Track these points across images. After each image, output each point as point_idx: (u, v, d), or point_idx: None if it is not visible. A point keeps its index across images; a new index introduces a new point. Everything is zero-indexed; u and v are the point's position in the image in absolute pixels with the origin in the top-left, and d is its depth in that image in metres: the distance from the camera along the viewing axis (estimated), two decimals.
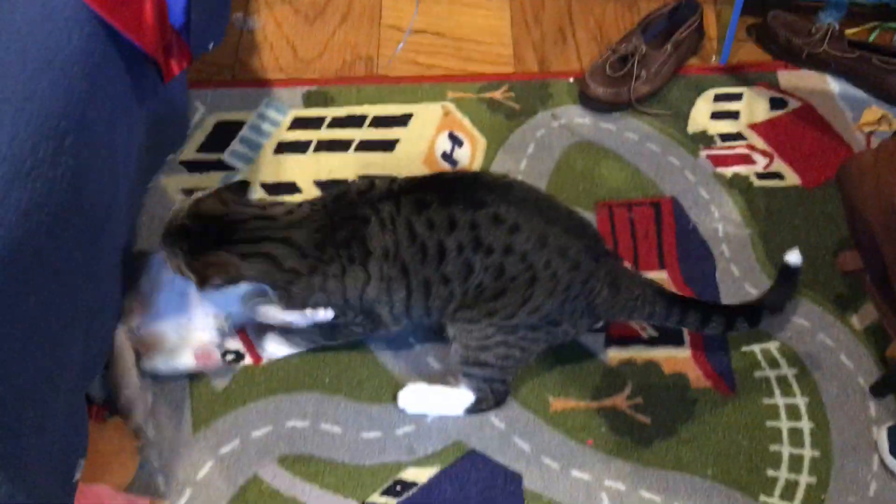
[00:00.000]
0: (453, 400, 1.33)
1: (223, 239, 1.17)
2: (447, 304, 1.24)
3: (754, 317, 1.35)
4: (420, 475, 1.28)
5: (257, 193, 1.57)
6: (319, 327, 1.32)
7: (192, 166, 1.59)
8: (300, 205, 1.24)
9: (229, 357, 1.38)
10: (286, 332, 1.37)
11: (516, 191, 1.25)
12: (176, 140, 1.47)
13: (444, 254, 1.20)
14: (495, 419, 1.34)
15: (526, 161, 1.65)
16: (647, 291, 1.29)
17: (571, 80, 1.79)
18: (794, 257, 1.36)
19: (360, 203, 1.22)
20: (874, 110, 1.73)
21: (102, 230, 1.09)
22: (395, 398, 1.34)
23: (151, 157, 1.34)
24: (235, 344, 1.39)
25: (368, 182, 1.27)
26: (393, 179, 1.26)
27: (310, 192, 1.58)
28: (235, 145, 1.64)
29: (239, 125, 1.66)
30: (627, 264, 1.51)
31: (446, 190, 1.22)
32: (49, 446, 0.95)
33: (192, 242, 1.16)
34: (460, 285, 1.22)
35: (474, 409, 1.34)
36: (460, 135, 1.68)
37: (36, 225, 0.89)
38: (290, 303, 1.25)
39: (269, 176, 1.60)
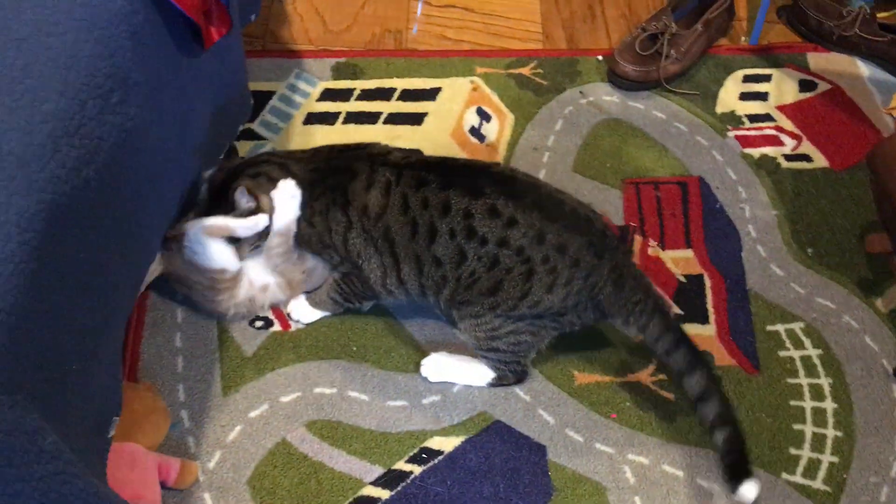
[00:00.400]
0: (475, 372, 1.35)
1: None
2: (441, 288, 1.26)
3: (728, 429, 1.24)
4: (446, 444, 1.30)
5: None
6: (338, 290, 1.35)
7: None
8: (310, 149, 1.37)
9: (258, 324, 1.39)
10: (311, 296, 1.39)
11: (519, 185, 1.25)
12: (241, 110, 1.48)
13: (434, 235, 1.22)
14: (520, 391, 1.35)
15: (553, 137, 1.65)
16: (649, 303, 1.25)
17: (600, 57, 1.79)
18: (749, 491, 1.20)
19: (363, 160, 1.28)
20: None
21: (153, 188, 1.10)
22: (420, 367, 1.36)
23: (219, 127, 1.36)
24: (264, 311, 1.40)
25: (387, 148, 1.33)
26: (412, 153, 1.28)
27: None
28: (266, 115, 1.64)
29: (269, 95, 1.67)
30: (654, 242, 1.52)
31: (449, 174, 1.24)
32: (89, 401, 0.96)
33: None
34: (452, 270, 1.24)
35: (496, 384, 1.35)
36: (488, 110, 1.68)
37: (84, 181, 0.90)
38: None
39: (298, 146, 1.60)
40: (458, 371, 1.35)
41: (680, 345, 1.26)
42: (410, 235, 1.24)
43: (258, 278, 1.36)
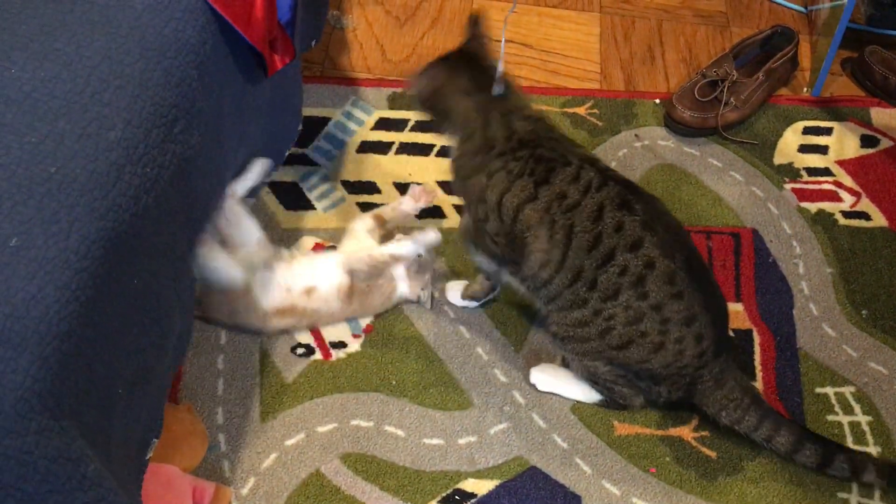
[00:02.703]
0: (584, 390, 1.36)
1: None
2: (571, 310, 1.25)
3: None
4: (480, 487, 1.28)
5: (337, 192, 1.58)
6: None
7: None
8: (541, 119, 1.30)
9: (300, 351, 1.39)
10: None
11: (695, 262, 1.23)
12: (290, 135, 1.50)
13: (608, 261, 1.20)
14: (558, 438, 1.34)
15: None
16: (745, 399, 1.27)
17: (658, 101, 1.77)
18: None
19: (573, 154, 1.25)
20: None
21: (206, 215, 1.11)
22: (459, 406, 1.35)
23: (268, 150, 1.37)
24: (307, 338, 1.41)
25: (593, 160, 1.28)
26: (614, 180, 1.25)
27: (389, 194, 1.59)
28: (320, 141, 1.66)
29: (325, 121, 1.69)
30: None
31: (654, 218, 1.22)
32: (133, 425, 0.97)
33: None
34: (597, 301, 1.22)
35: (605, 406, 1.36)
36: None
37: (143, 209, 0.91)
38: (454, 174, 1.32)
39: (350, 174, 1.61)
40: (568, 385, 1.36)
41: (780, 428, 1.27)
42: (588, 247, 1.21)
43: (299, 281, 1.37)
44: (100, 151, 0.88)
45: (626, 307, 1.21)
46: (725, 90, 1.70)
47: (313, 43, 1.63)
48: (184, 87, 1.01)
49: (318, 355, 1.40)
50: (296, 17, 1.28)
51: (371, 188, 1.60)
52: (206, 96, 1.06)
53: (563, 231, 1.21)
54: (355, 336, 1.41)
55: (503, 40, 1.28)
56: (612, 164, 1.66)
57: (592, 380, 1.32)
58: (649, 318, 1.20)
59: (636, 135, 1.71)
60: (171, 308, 1.01)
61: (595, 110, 1.74)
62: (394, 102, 1.73)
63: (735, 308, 1.48)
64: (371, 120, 1.70)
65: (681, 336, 1.21)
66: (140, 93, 0.95)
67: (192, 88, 1.02)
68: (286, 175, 1.59)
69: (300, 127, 1.55)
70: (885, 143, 1.72)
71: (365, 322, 1.43)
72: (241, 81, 1.19)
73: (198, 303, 1.31)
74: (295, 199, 1.57)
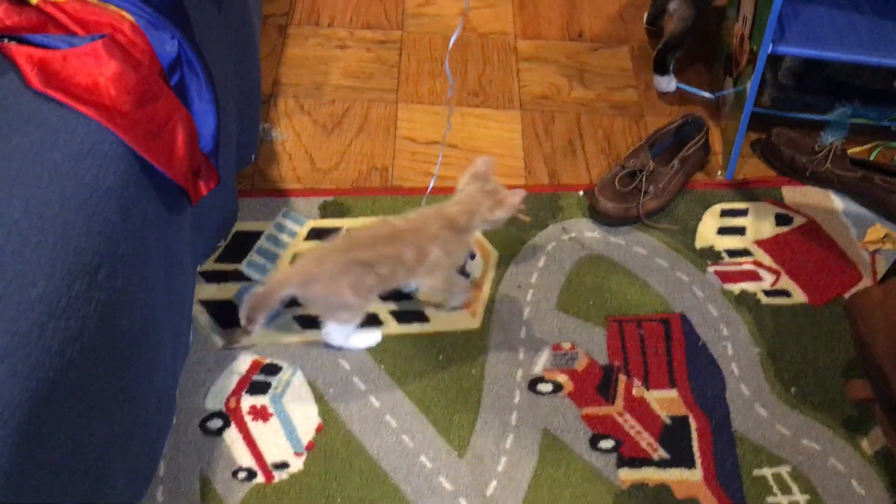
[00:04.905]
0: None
1: None
2: None
3: None
4: None
5: None
6: None
7: (210, 276, 1.62)
8: None
9: (241, 475, 1.38)
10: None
11: None
12: (222, 230, 1.56)
13: None
14: None
15: (537, 274, 1.68)
16: None
17: (581, 193, 1.83)
18: None
19: None
20: (878, 228, 1.77)
21: (137, 353, 1.11)
22: None
23: (197, 257, 1.41)
24: (248, 460, 1.39)
25: None
26: None
27: None
28: (253, 255, 1.67)
29: (257, 235, 1.70)
30: (638, 382, 1.53)
31: None
32: None
33: None
34: None
35: None
36: (473, 247, 1.71)
37: (68, 362, 0.91)
38: None
39: None
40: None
41: None
42: None
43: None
44: (21, 311, 0.88)
45: None
46: (644, 180, 1.77)
47: (252, 157, 1.67)
48: (106, 232, 1.02)
49: (260, 478, 1.38)
50: (218, 146, 1.30)
51: None
52: (130, 238, 1.07)
53: None
54: (297, 454, 1.41)
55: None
56: (542, 258, 1.71)
57: None
58: None
59: (563, 228, 1.76)
60: (109, 454, 1.00)
61: (522, 206, 1.79)
62: (325, 211, 1.76)
63: (670, 395, 1.51)
64: (303, 230, 1.72)
65: None
66: (62, 245, 0.95)
67: (115, 232, 1.03)
68: (220, 293, 1.60)
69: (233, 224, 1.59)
70: (799, 220, 1.80)
71: (307, 439, 1.42)
72: (167, 214, 1.20)
73: None
74: (230, 317, 1.57)
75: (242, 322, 1.46)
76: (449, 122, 1.93)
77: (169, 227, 1.23)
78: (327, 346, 1.52)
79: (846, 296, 1.66)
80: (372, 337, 1.54)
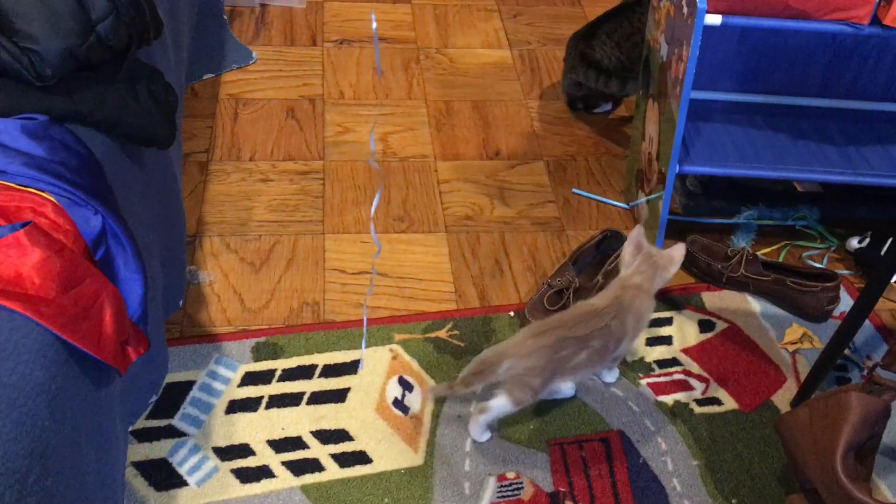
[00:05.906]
0: None
1: None
2: None
3: None
4: None
5: (210, 461, 1.55)
6: None
7: (142, 435, 1.57)
8: None
9: None
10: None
11: None
12: (153, 386, 1.53)
13: None
14: None
15: (476, 402, 1.69)
16: None
17: (512, 314, 1.87)
18: None
19: None
20: (795, 329, 1.85)
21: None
22: None
23: (128, 418, 1.39)
24: None
25: None
26: None
27: (264, 454, 1.57)
28: (186, 408, 1.63)
29: (189, 385, 1.66)
30: None
31: None
32: None
33: None
34: None
35: None
36: (410, 379, 1.72)
37: None
38: None
39: (221, 439, 1.58)
40: None
41: None
42: None
43: None
44: None
45: None
46: (571, 297, 1.82)
47: (180, 303, 1.64)
48: (35, 432, 0.98)
49: None
50: (146, 311, 1.29)
51: (245, 451, 1.57)
52: (59, 430, 1.03)
53: None
54: None
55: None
56: (479, 386, 1.71)
57: None
58: None
59: None
60: None
61: (455, 331, 1.81)
62: (258, 353, 1.74)
63: None
64: (237, 376, 1.69)
65: None
66: None
67: (44, 430, 0.99)
68: (153, 452, 1.55)
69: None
70: (721, 325, 1.87)
71: None
72: (95, 390, 1.17)
73: None
74: (165, 477, 1.51)
75: (459, 379, 1.55)
76: (374, 234, 1.95)
77: (98, 405, 1.19)
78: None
79: (772, 398, 1.72)
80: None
